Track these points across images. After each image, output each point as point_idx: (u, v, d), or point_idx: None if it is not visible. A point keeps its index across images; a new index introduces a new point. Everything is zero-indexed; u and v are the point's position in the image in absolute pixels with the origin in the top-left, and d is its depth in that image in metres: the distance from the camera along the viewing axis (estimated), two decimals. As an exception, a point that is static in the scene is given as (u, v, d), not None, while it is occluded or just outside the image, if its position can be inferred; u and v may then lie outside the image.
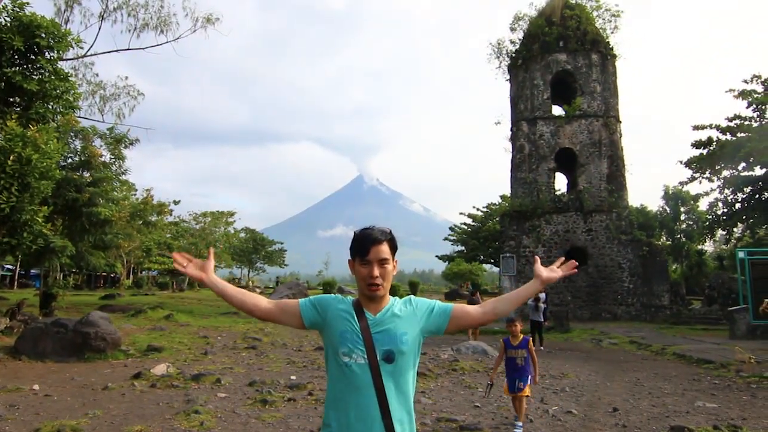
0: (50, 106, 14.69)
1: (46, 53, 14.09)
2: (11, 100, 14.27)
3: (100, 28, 23.29)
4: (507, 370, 6.79)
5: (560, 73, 28.57)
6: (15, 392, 8.23)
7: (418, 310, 2.35)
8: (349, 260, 2.35)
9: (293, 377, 9.92)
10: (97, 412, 7.11)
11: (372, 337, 2.23)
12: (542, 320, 16.63)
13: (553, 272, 2.34)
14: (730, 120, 24.81)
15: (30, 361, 11.10)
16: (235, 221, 63.39)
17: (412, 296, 2.43)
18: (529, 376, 6.70)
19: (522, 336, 6.84)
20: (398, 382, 2.23)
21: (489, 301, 2.47)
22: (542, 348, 15.91)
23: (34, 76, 13.88)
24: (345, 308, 2.32)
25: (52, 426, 6.34)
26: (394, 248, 2.34)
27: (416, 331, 2.31)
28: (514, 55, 30.60)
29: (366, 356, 2.20)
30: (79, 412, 7.13)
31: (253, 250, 73.67)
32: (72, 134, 20.67)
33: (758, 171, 24.98)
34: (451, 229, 58.97)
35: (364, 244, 2.27)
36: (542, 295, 18.08)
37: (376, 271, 2.24)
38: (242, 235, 72.42)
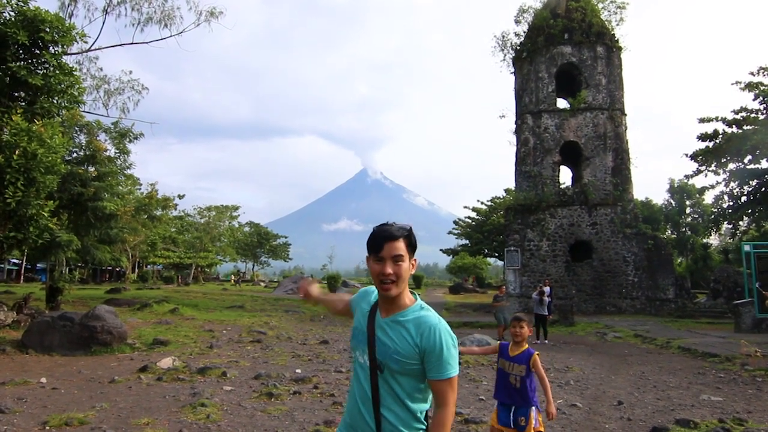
0: (55, 101, 14.71)
1: (51, 48, 14.10)
2: (16, 94, 14.30)
3: (104, 23, 23.32)
4: (497, 389, 4.60)
5: (565, 65, 28.41)
6: (22, 385, 8.30)
7: (422, 344, 2.12)
8: (366, 257, 2.25)
9: (298, 370, 9.95)
10: (104, 404, 7.16)
11: (374, 340, 2.20)
12: (546, 314, 16.67)
13: None
14: (737, 112, 24.65)
15: (37, 354, 11.19)
16: (239, 215, 63.63)
17: (428, 323, 2.14)
18: (533, 407, 4.40)
19: (526, 346, 4.62)
20: (392, 388, 2.15)
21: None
22: (546, 341, 15.94)
23: (38, 71, 13.90)
24: (366, 304, 2.35)
25: (59, 419, 6.39)
26: (411, 246, 2.21)
27: (413, 354, 2.13)
28: (518, 47, 30.44)
29: (367, 357, 2.20)
30: (86, 405, 7.18)
31: (257, 244, 73.94)
32: (77, 129, 20.74)
33: (764, 164, 24.86)
34: (455, 222, 58.96)
35: (377, 240, 2.17)
36: (547, 289, 18.08)
37: (389, 269, 2.13)
38: (246, 229, 72.69)
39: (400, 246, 2.16)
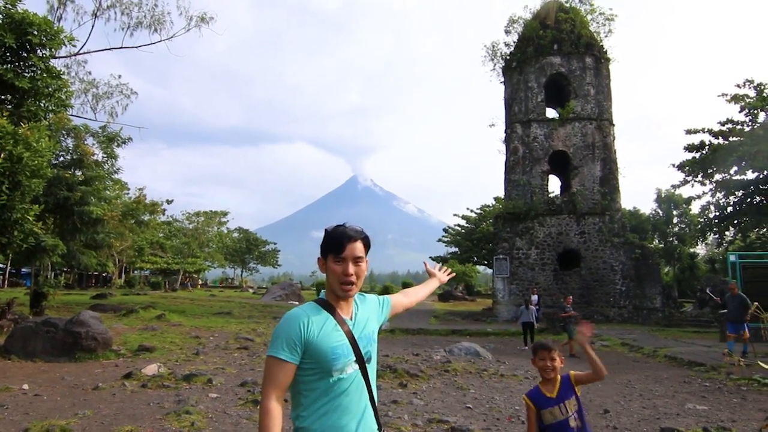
0: (42, 104, 14.60)
1: (39, 51, 14.01)
2: (2, 97, 14.17)
3: (93, 26, 23.23)
4: None
5: (554, 75, 28.67)
6: (4, 392, 8.16)
7: (377, 307, 2.45)
8: (318, 258, 2.27)
9: (285, 378, 9.87)
10: (87, 412, 7.06)
11: (356, 341, 2.19)
12: (533, 321, 16.72)
13: None
14: (723, 124, 25.01)
15: (20, 360, 11.02)
16: (228, 221, 63.35)
17: (359, 293, 2.37)
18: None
19: (559, 377, 3.67)
20: (373, 378, 2.26)
21: (409, 290, 2.85)
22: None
23: (25, 74, 13.80)
24: (322, 320, 2.16)
25: (41, 426, 6.28)
26: (367, 247, 2.28)
27: (377, 326, 2.39)
28: (508, 57, 30.71)
29: (356, 363, 2.17)
30: (68, 412, 7.07)
31: (246, 250, 73.63)
32: (64, 132, 20.60)
33: (750, 175, 25.19)
34: (445, 230, 59.13)
35: (339, 241, 2.19)
36: (534, 297, 18.14)
37: (351, 269, 2.17)
38: (235, 235, 72.34)
39: (360, 247, 2.23)
